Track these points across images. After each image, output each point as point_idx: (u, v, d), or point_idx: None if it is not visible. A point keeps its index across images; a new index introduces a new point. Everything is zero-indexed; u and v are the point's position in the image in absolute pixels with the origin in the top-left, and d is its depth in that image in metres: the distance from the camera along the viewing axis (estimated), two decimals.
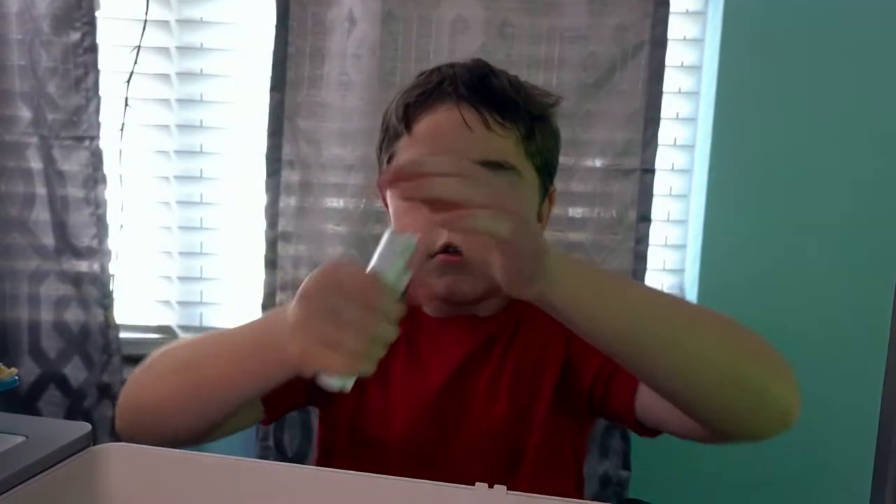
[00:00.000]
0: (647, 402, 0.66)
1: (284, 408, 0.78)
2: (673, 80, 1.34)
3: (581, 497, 0.82)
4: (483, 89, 0.71)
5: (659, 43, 1.28)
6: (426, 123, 0.71)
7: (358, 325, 0.48)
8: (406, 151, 0.72)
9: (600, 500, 0.49)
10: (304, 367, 0.50)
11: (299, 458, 1.35)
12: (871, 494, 0.41)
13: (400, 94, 0.75)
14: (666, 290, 1.41)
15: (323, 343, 0.49)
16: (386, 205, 0.81)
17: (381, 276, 0.50)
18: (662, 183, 1.36)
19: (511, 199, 0.69)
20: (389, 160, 0.75)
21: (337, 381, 0.49)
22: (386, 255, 0.52)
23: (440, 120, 0.70)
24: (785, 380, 0.58)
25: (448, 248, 0.68)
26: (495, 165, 0.69)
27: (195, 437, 0.64)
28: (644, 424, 0.69)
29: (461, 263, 0.69)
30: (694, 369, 0.55)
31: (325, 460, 0.80)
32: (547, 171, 0.78)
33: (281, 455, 1.37)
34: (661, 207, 1.37)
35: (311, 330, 0.49)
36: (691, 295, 1.35)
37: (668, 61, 1.28)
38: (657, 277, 1.39)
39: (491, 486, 0.49)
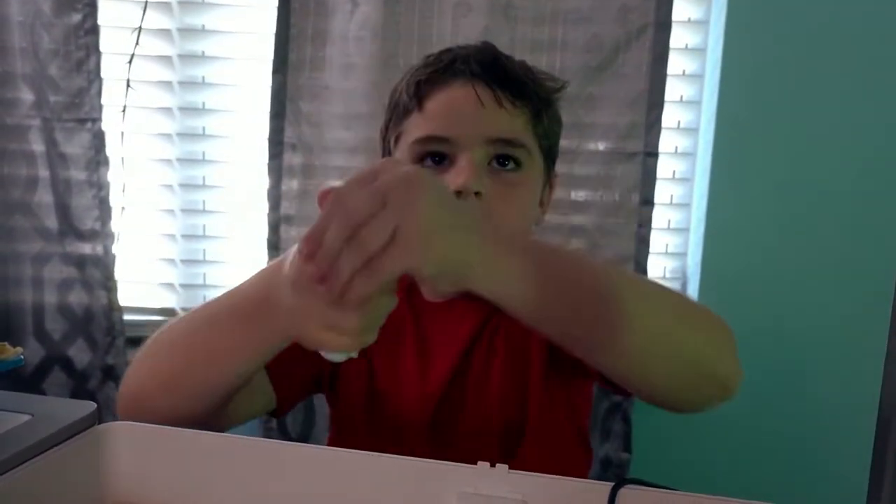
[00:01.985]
0: None
1: (295, 400, 0.78)
2: (677, 63, 1.33)
3: (590, 462, 0.83)
4: (495, 68, 0.71)
5: (663, 25, 1.27)
6: (439, 100, 0.71)
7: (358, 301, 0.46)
8: (418, 128, 0.71)
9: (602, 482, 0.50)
10: (307, 346, 0.50)
11: (302, 440, 1.36)
12: (871, 469, 0.42)
13: (409, 73, 0.75)
14: (669, 272, 1.41)
15: (324, 325, 0.48)
16: None
17: None
18: (665, 166, 1.35)
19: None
20: (397, 140, 0.75)
21: (340, 355, 0.50)
22: None
23: (453, 96, 0.71)
24: (725, 352, 0.57)
25: None
26: (508, 142, 0.70)
27: (196, 420, 0.61)
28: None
29: None
30: (637, 350, 0.53)
31: (340, 438, 0.81)
32: (550, 155, 0.79)
33: (284, 437, 1.38)
34: (664, 191, 1.37)
35: (311, 312, 0.48)
36: (694, 279, 1.35)
37: (672, 44, 1.28)
38: (659, 261, 1.40)
39: (494, 464, 0.50)
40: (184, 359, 0.61)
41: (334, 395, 0.81)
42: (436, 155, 0.70)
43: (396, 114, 0.75)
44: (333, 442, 0.81)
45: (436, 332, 0.77)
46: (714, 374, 0.57)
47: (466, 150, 0.68)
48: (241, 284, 0.59)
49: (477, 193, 0.67)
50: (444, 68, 0.72)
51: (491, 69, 0.71)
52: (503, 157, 0.70)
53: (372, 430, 0.76)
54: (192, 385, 0.60)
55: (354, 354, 0.50)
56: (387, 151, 0.79)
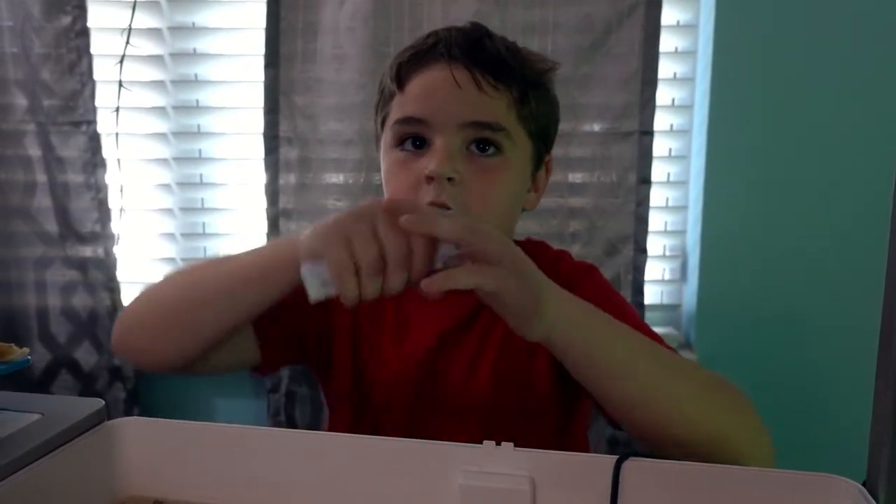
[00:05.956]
0: None
1: (278, 360, 0.78)
2: (669, 40, 1.32)
3: None
4: (476, 51, 0.70)
5: (654, 2, 1.26)
6: (417, 82, 0.71)
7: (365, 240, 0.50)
8: (397, 110, 0.72)
9: None
10: (306, 255, 0.53)
11: None
12: (871, 434, 0.42)
13: (394, 56, 0.75)
14: (668, 250, 1.41)
15: (329, 241, 0.51)
16: None
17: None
18: (661, 144, 1.35)
19: (497, 178, 0.70)
20: (384, 122, 0.75)
21: (318, 285, 0.51)
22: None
23: (431, 79, 0.70)
24: (753, 437, 0.60)
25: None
26: (485, 126, 0.69)
27: (183, 361, 0.66)
28: None
29: None
30: (668, 412, 0.56)
31: (333, 418, 0.82)
32: (541, 138, 0.76)
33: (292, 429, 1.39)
34: (660, 169, 1.37)
35: (327, 233, 0.52)
36: (693, 256, 1.36)
37: (663, 21, 1.27)
38: (659, 239, 1.40)
39: (499, 442, 0.50)
40: (192, 293, 0.65)
41: (324, 374, 0.81)
42: (416, 138, 0.70)
43: (383, 97, 0.75)
44: (330, 424, 0.82)
45: (416, 318, 0.77)
46: (729, 447, 0.56)
47: (442, 134, 0.68)
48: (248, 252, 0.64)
49: (450, 179, 0.66)
50: (425, 51, 0.71)
51: (472, 51, 0.70)
52: (482, 142, 0.69)
53: (360, 405, 0.77)
54: (195, 319, 0.64)
55: (330, 291, 0.52)
56: (377, 134, 0.78)
